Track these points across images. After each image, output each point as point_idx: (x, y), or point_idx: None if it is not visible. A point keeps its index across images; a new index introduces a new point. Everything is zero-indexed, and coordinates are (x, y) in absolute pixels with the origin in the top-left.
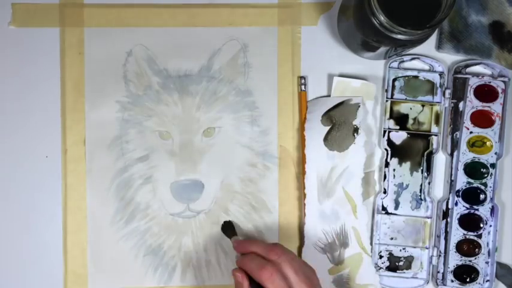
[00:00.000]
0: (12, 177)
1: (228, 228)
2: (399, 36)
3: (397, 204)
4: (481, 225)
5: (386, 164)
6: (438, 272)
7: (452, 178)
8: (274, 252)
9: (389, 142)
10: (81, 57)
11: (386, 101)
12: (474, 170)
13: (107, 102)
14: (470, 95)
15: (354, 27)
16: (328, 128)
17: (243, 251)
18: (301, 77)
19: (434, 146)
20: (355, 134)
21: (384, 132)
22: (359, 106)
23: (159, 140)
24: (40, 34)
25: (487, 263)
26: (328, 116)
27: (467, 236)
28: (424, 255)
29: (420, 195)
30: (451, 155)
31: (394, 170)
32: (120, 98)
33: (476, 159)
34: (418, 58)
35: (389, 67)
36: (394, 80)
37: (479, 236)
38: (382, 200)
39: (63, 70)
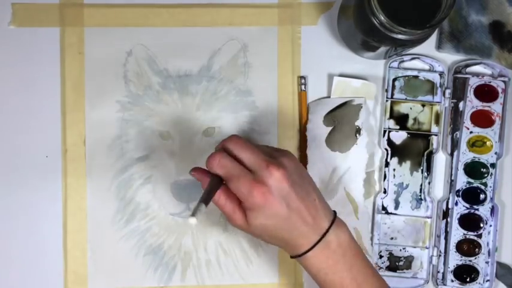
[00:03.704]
0: (12, 177)
1: None
2: (399, 36)
3: (397, 204)
4: (481, 225)
5: (387, 164)
6: (438, 271)
7: (452, 178)
8: (224, 141)
9: (390, 142)
10: (81, 57)
11: (387, 100)
12: (474, 169)
13: (107, 102)
14: (470, 94)
15: (354, 27)
16: (330, 128)
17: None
18: (301, 77)
19: (434, 146)
20: (357, 135)
21: (384, 132)
22: (361, 107)
23: (159, 140)
24: (40, 34)
25: (487, 262)
26: (330, 117)
27: (467, 236)
28: (424, 255)
29: (420, 195)
30: (451, 154)
31: (394, 169)
32: (120, 98)
33: (476, 159)
34: (418, 58)
35: (389, 67)
36: (394, 79)
37: (479, 236)
38: (382, 199)
39: (63, 70)
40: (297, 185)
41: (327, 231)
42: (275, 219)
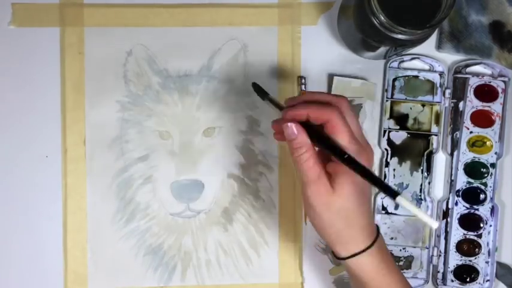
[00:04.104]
0: (12, 177)
1: (259, 90)
2: (399, 36)
3: (397, 204)
4: (481, 225)
5: (387, 164)
6: (438, 271)
7: (452, 178)
8: (338, 100)
9: (389, 142)
10: (81, 57)
11: (387, 100)
12: (474, 169)
13: (107, 102)
14: (470, 94)
15: (354, 27)
16: None
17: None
18: (301, 77)
19: (434, 146)
20: None
21: (384, 132)
22: (361, 107)
23: (159, 140)
24: (40, 34)
25: (487, 262)
26: None
27: (467, 236)
28: (424, 255)
29: (420, 195)
30: (451, 154)
31: (394, 169)
32: (120, 98)
33: (476, 159)
34: (418, 58)
35: (389, 67)
36: (394, 79)
37: (479, 236)
38: (382, 199)
39: (63, 70)
40: None
41: (378, 231)
42: (359, 194)
